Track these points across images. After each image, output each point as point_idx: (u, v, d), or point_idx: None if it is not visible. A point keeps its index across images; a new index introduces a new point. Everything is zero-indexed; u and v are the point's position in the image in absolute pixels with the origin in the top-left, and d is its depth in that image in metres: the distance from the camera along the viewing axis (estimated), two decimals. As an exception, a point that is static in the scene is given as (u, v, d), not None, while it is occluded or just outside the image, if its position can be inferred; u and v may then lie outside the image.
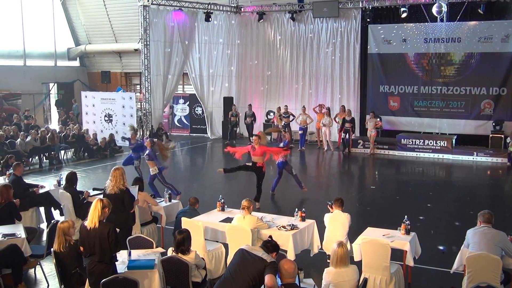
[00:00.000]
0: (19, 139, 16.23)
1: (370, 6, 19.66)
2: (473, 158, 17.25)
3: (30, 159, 16.47)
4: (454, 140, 18.07)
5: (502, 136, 17.58)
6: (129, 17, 24.57)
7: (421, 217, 10.47)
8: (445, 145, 17.82)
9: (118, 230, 6.14)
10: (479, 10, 17.52)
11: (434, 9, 17.80)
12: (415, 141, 18.32)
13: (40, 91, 25.28)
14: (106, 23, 26.38)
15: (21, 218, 8.19)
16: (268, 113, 22.20)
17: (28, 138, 16.41)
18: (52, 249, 6.39)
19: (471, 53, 18.50)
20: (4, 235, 7.14)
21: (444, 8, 17.78)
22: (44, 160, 16.84)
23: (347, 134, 18.65)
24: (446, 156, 17.66)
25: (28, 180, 11.51)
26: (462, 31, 18.45)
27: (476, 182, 14.59)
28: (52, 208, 10.15)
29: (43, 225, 9.93)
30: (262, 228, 7.41)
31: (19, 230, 7.37)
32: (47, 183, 11.51)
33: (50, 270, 7.55)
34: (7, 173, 11.27)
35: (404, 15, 18.76)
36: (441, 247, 8.31)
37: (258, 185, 11.08)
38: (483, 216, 6.57)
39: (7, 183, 8.82)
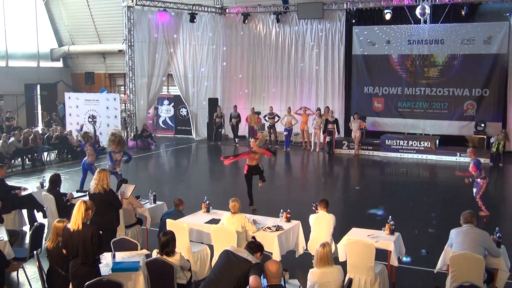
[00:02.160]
0: (1, 141, 16.04)
1: (355, 8, 19.79)
2: (456, 159, 17.40)
3: (13, 161, 16.30)
4: (437, 141, 18.24)
5: (485, 136, 17.80)
6: (113, 18, 24.42)
7: (405, 218, 10.55)
8: (429, 145, 17.97)
9: (101, 232, 6.10)
10: (462, 11, 17.73)
11: (418, 11, 17.98)
12: (399, 142, 18.44)
13: (23, 92, 25.03)
14: (90, 24, 26.19)
15: (3, 221, 8.12)
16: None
17: (11, 139, 16.23)
18: (45, 246, 6.39)
19: (454, 54, 18.71)
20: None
21: (428, 10, 17.95)
22: (27, 162, 16.67)
23: (331, 135, 18.74)
24: (429, 156, 17.81)
25: (11, 182, 11.40)
26: (445, 33, 18.64)
27: (459, 183, 14.71)
28: (35, 211, 10.05)
29: (26, 228, 9.82)
30: (249, 229, 7.41)
31: (1, 233, 7.28)
32: (30, 185, 11.39)
33: (33, 273, 7.46)
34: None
35: (388, 16, 18.92)
36: (423, 250, 8.33)
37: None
38: (465, 216, 6.65)
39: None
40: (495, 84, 18.30)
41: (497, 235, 6.78)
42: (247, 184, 11.14)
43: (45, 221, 9.31)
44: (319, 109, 19.48)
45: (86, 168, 12.14)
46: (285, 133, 19.50)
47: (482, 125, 18.02)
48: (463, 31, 18.40)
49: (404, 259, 7.96)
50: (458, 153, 17.47)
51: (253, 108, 21.07)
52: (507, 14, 17.70)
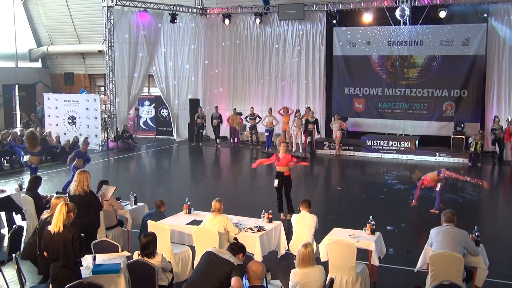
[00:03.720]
0: (-22, 143, 15.81)
1: (335, 9, 19.91)
2: (436, 159, 17.61)
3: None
4: (417, 141, 18.43)
5: (464, 137, 18.04)
6: (92, 18, 24.20)
7: (386, 217, 10.64)
8: (409, 146, 18.16)
9: (82, 234, 6.04)
10: (443, 12, 17.91)
11: (397, 13, 18.17)
12: (379, 143, 18.60)
13: (1, 93, 24.65)
14: (69, 24, 25.92)
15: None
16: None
17: (-12, 141, 16.01)
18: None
19: (433, 56, 18.93)
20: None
21: (407, 12, 18.16)
22: (5, 163, 16.43)
23: (311, 135, 18.84)
24: (409, 157, 17.99)
25: (-12, 184, 11.24)
26: (425, 34, 18.86)
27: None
28: (14, 213, 9.91)
29: (4, 231, 9.68)
30: (231, 230, 7.39)
31: (-22, 236, 7.18)
32: (8, 187, 11.24)
33: (12, 276, 7.37)
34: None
35: (368, 17, 19.06)
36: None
37: (288, 195, 10.59)
38: (445, 215, 6.71)
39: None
40: (473, 85, 18.56)
41: (476, 234, 6.87)
42: (276, 190, 10.67)
43: (24, 224, 9.20)
44: (298, 110, 19.59)
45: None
46: (266, 133, 19.51)
47: (462, 125, 18.27)
48: (442, 32, 18.65)
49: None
50: (437, 153, 17.70)
51: (235, 109, 21.06)
52: (485, 15, 17.97)
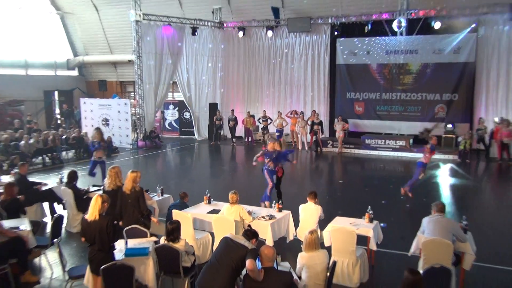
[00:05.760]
0: (23, 141, 16.04)
1: (338, 22, 19.88)
2: (428, 156, 17.47)
3: (33, 159, 16.27)
4: (411, 140, 18.35)
5: (454, 136, 17.92)
6: (123, 31, 24.42)
7: (383, 207, 10.64)
8: (404, 144, 18.09)
9: (116, 222, 6.15)
10: (438, 22, 17.72)
11: (395, 24, 18.09)
12: (377, 141, 18.56)
13: (42, 98, 24.95)
14: (102, 37, 26.17)
15: (25, 213, 8.11)
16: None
17: (31, 141, 16.24)
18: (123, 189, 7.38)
19: (426, 63, 18.83)
20: (10, 228, 7.07)
21: (403, 24, 18.08)
22: (47, 160, 16.67)
23: (316, 135, 18.88)
24: (404, 154, 17.93)
25: (33, 178, 11.41)
26: (419, 44, 18.75)
27: (431, 177, 14.83)
28: (55, 204, 10.08)
29: (47, 219, 9.85)
30: (246, 218, 7.47)
31: (24, 223, 7.31)
32: (50, 181, 11.41)
33: (54, 259, 7.52)
34: (12, 172, 11.19)
35: (368, 29, 18.97)
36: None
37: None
38: (436, 206, 6.72)
39: (11, 181, 8.76)
40: (463, 89, 18.43)
41: (464, 223, 6.88)
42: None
43: (65, 213, 9.37)
44: (302, 113, 19.67)
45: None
46: (277, 134, 19.58)
47: (450, 125, 18.16)
48: (435, 42, 18.53)
49: None
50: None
51: (249, 111, 21.15)
52: (475, 24, 17.69)
